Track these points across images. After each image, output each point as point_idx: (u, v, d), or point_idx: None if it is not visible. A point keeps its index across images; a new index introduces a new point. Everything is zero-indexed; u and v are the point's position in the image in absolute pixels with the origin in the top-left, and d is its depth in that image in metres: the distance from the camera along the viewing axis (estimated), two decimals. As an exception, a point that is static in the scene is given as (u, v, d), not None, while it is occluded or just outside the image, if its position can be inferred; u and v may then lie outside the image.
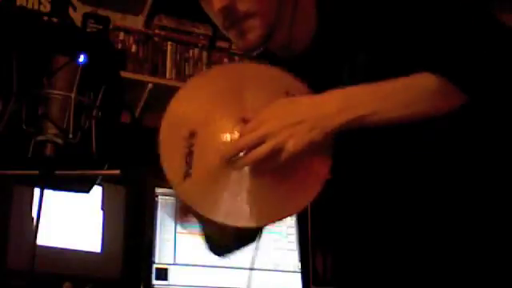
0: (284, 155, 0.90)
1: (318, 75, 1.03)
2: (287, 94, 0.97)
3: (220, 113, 0.96)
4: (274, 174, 0.94)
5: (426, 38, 0.93)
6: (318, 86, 0.98)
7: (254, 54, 1.08)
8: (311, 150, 0.92)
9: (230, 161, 0.93)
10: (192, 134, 0.95)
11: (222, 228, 0.97)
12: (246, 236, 1.12)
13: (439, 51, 0.91)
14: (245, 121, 0.94)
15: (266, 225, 1.04)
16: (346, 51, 1.00)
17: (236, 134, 0.94)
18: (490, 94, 0.90)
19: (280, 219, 0.99)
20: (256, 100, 0.97)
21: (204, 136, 0.95)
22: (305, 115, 0.91)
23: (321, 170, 0.96)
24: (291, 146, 0.90)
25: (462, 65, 0.90)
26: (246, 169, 0.94)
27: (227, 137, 0.95)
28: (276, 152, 0.90)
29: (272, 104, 0.93)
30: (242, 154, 0.93)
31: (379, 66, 0.95)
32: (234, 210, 0.94)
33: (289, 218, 2.31)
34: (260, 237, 1.12)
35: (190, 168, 0.94)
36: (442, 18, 0.93)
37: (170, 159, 0.95)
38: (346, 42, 1.00)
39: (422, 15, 0.94)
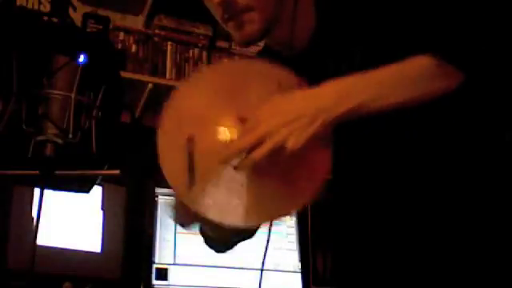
0: (285, 152, 0.90)
1: (317, 73, 1.03)
2: (279, 86, 0.96)
3: (216, 114, 0.96)
4: (276, 172, 0.94)
5: (418, 23, 0.93)
6: (317, 83, 0.99)
7: (250, 46, 1.08)
8: (311, 145, 0.91)
9: (232, 163, 0.92)
10: (190, 139, 0.94)
11: (221, 226, 0.97)
12: (244, 231, 1.12)
13: (431, 32, 0.92)
14: (242, 120, 0.94)
15: (270, 222, 1.06)
16: (344, 49, 1.01)
17: (235, 135, 0.93)
18: (485, 70, 0.89)
19: (282, 216, 1.00)
20: (251, 97, 0.96)
21: (203, 140, 0.94)
22: (302, 110, 0.90)
23: (321, 167, 0.96)
24: (292, 142, 0.89)
25: (454, 42, 0.90)
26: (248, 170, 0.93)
27: (226, 138, 0.94)
28: (277, 150, 0.90)
29: (268, 102, 0.93)
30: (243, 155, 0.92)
31: (376, 64, 0.95)
32: (241, 213, 0.94)
33: (288, 218, 2.31)
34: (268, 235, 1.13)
35: (193, 176, 0.93)
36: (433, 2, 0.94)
37: (172, 170, 0.94)
38: (344, 39, 1.01)
39: (415, 5, 0.95)
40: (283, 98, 0.93)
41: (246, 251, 2.18)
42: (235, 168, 0.93)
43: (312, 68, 1.04)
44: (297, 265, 2.25)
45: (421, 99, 0.91)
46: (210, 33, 2.62)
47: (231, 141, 0.93)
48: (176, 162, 0.94)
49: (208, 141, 0.94)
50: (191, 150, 0.93)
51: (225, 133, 0.94)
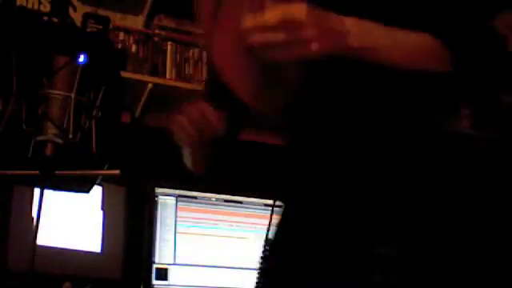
0: (301, 52, 0.89)
1: None
2: None
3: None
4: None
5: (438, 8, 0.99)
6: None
7: None
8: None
9: (248, 37, 0.90)
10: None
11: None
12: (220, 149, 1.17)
13: (445, 20, 0.98)
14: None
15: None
16: None
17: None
18: (476, 64, 0.98)
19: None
20: None
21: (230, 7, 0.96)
22: (336, 25, 0.92)
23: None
24: (316, 45, 0.89)
25: (458, 34, 0.97)
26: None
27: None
28: (293, 45, 0.89)
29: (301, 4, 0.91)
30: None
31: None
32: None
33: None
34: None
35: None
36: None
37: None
38: None
39: None
40: (314, 9, 0.91)
41: (245, 251, 2.18)
42: (251, 46, 0.90)
43: None
44: (297, 265, 2.25)
45: (417, 69, 0.97)
46: (210, 33, 2.62)
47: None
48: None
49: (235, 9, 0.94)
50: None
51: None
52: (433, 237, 0.98)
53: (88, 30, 1.71)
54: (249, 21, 0.90)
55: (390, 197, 1.00)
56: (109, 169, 1.49)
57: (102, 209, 2.01)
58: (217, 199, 2.25)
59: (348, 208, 1.02)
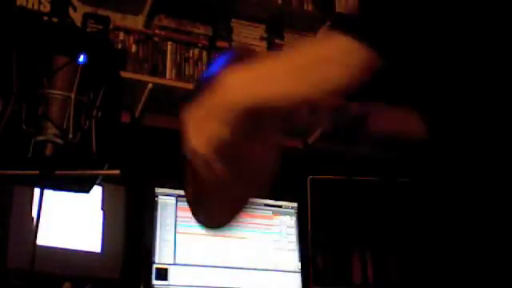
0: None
1: None
2: None
3: None
4: None
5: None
6: None
7: None
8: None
9: None
10: None
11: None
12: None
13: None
14: None
15: None
16: None
17: None
18: (401, 52, 0.84)
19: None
20: None
21: None
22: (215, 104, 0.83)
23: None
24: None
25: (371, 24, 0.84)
26: None
27: None
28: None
29: None
30: None
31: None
32: None
33: (289, 218, 2.31)
34: None
35: None
36: None
37: None
38: None
39: None
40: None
41: (245, 251, 2.18)
42: None
43: None
44: (297, 265, 2.25)
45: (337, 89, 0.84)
46: (209, 33, 2.62)
47: None
48: None
49: None
50: None
51: None
52: None
53: (88, 30, 1.71)
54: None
55: None
56: (109, 169, 1.49)
57: (102, 209, 2.01)
58: (217, 199, 2.25)
59: None
